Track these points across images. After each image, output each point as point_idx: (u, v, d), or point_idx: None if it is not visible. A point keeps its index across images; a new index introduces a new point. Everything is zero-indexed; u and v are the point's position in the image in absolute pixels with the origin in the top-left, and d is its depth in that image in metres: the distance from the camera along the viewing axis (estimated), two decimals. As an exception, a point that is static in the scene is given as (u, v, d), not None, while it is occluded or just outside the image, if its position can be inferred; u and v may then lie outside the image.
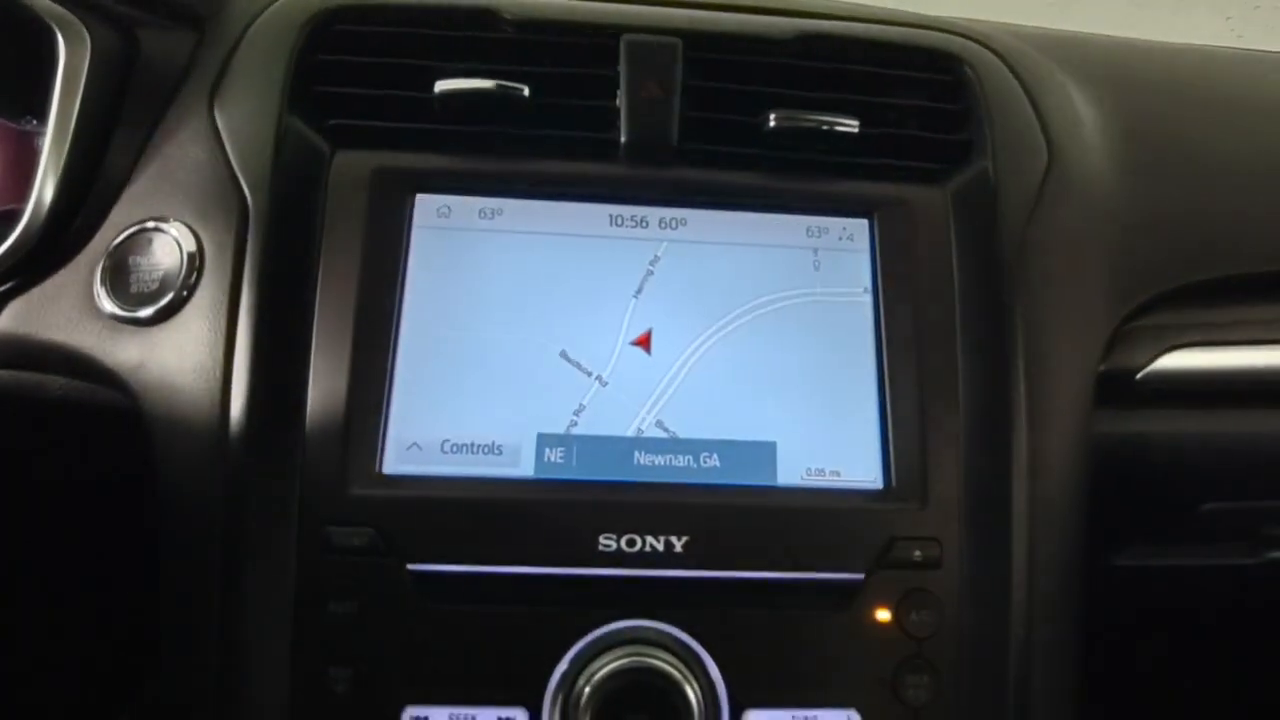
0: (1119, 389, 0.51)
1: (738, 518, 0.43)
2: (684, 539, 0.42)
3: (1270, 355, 0.52)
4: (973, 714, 0.42)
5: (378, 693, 0.40)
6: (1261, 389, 0.53)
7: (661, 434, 0.46)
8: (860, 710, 0.41)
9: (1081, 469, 0.48)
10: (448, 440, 0.44)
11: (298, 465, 0.42)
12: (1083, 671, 0.47)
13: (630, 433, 0.46)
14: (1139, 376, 0.51)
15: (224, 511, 0.42)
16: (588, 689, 0.39)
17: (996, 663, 0.43)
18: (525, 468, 0.44)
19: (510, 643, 0.41)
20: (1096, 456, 0.49)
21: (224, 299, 0.44)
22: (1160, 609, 0.75)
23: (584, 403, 0.46)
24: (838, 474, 0.46)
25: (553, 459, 0.45)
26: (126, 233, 0.46)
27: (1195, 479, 0.56)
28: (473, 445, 0.44)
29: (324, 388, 0.43)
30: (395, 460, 0.44)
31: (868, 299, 0.49)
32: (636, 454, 0.45)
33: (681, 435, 0.46)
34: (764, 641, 0.41)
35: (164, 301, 0.44)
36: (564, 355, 0.46)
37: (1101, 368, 0.50)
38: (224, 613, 0.41)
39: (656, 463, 0.45)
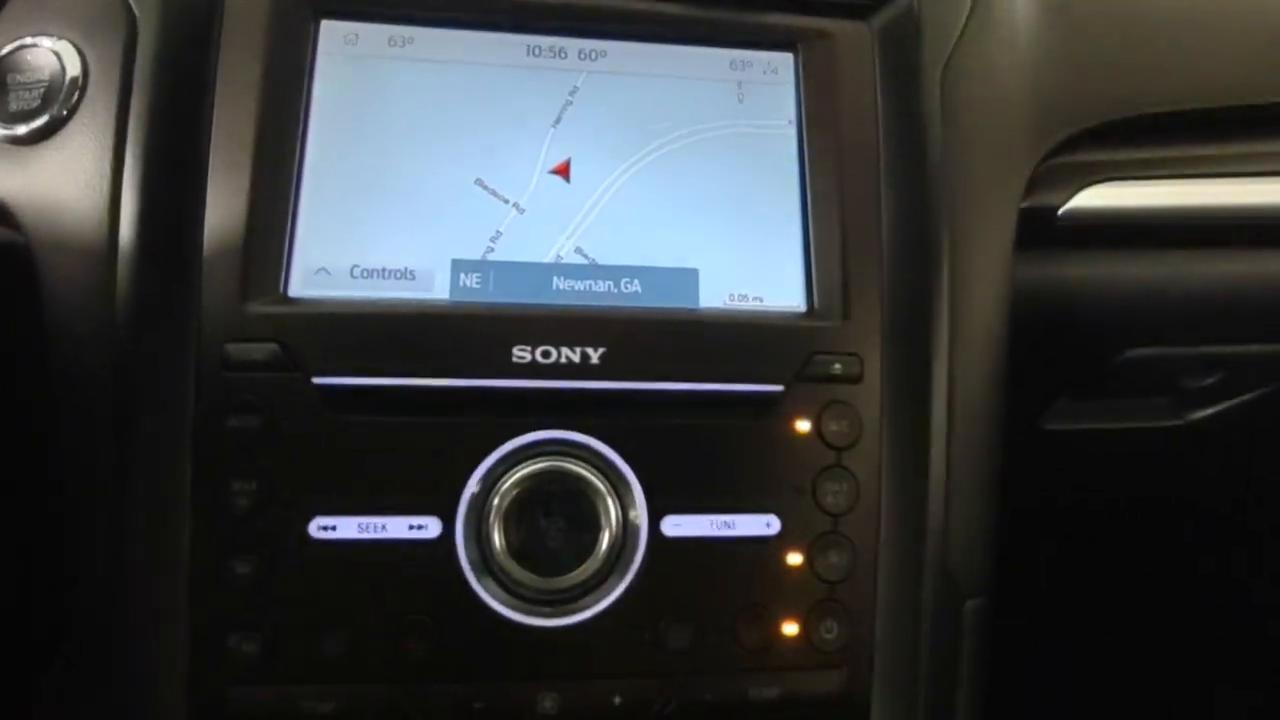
0: (1040, 229, 0.52)
1: (657, 331, 0.42)
2: (600, 350, 0.41)
3: (1187, 191, 0.53)
4: (890, 523, 0.42)
5: (284, 505, 0.38)
6: (1179, 227, 0.54)
7: (581, 260, 0.45)
8: (779, 514, 0.41)
9: (1004, 301, 0.48)
10: (357, 265, 0.43)
11: (194, 289, 0.40)
12: (1001, 506, 0.48)
13: (549, 259, 0.45)
14: (1060, 213, 0.52)
15: (119, 337, 0.40)
16: (501, 495, 0.38)
17: (916, 476, 0.43)
18: (439, 292, 0.43)
19: (423, 454, 0.40)
20: (1019, 303, 0.50)
21: (110, 117, 0.41)
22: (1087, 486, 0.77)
23: (501, 229, 0.45)
24: (760, 299, 0.45)
25: (468, 284, 0.43)
26: (5, 49, 0.43)
27: (1115, 324, 0.57)
28: (384, 270, 0.43)
29: (222, 210, 0.41)
30: (301, 284, 0.42)
31: (792, 131, 0.48)
32: (555, 279, 0.44)
33: (601, 261, 0.45)
34: (682, 451, 0.41)
35: (44, 119, 0.41)
36: (479, 183, 0.45)
37: (1023, 204, 0.50)
38: (120, 441, 0.39)
39: (575, 288, 0.44)
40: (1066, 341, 0.57)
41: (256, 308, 0.40)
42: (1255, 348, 0.59)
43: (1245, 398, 0.65)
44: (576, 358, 0.41)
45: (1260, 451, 0.71)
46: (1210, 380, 0.62)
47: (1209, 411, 0.67)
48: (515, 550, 0.38)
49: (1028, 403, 0.63)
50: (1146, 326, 0.57)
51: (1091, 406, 0.66)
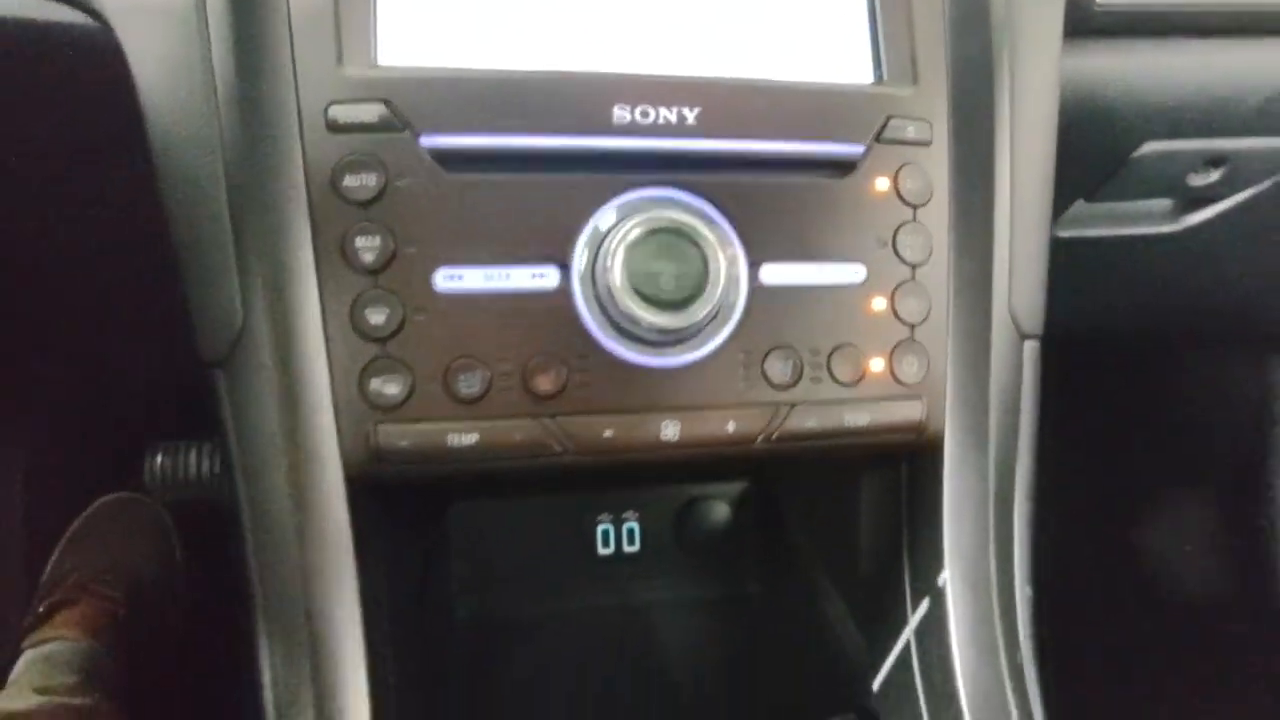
0: (1079, 18, 0.54)
1: (747, 94, 0.44)
2: (696, 110, 0.43)
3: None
4: (960, 273, 0.46)
5: (408, 259, 0.40)
6: (1210, 15, 0.57)
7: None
8: (865, 263, 0.45)
9: (1054, 79, 0.51)
10: (447, 33, 0.43)
11: (288, 53, 0.40)
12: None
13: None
14: (1099, 2, 0.55)
15: (218, 105, 0.40)
16: (614, 245, 0.41)
17: (983, 232, 0.47)
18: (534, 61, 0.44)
19: (536, 209, 0.42)
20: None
21: None
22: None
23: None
24: (834, 72, 0.48)
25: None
26: None
27: (1138, 114, 0.60)
28: (475, 38, 0.44)
29: None
30: (392, 52, 0.43)
31: None
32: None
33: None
34: (775, 206, 0.44)
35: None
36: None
37: (1065, -8, 0.53)
38: (235, 219, 0.40)
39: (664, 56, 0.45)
40: (1090, 133, 0.61)
41: (355, 71, 0.41)
42: (1261, 141, 0.64)
43: (1239, 198, 0.70)
44: (674, 117, 0.43)
45: (1249, 257, 0.78)
46: (1213, 177, 0.67)
47: (1205, 215, 0.72)
48: (632, 295, 0.41)
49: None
50: (1166, 118, 0.61)
51: (1100, 211, 0.71)
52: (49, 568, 1.01)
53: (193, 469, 1.07)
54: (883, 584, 0.52)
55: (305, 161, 0.40)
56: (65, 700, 0.81)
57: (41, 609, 0.94)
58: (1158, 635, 1.09)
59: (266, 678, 0.39)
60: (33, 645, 0.91)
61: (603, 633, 0.74)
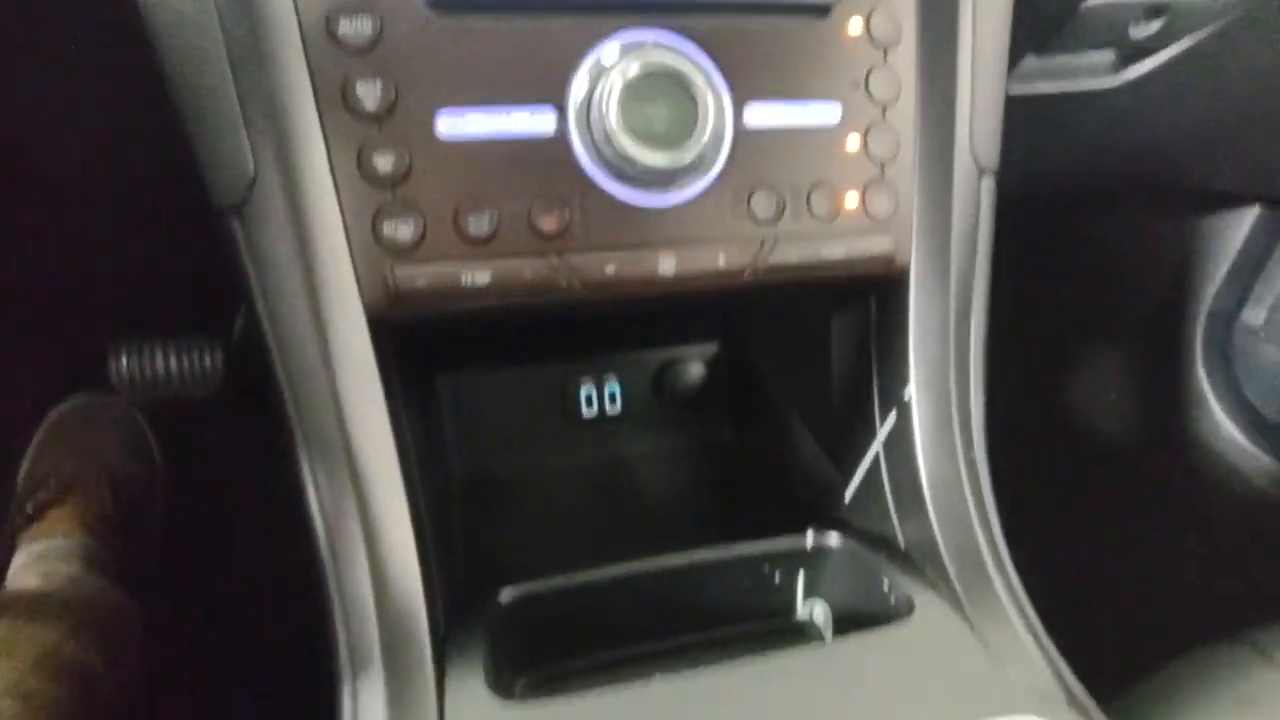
0: None
1: None
2: None
3: None
4: (926, 113, 0.50)
5: (409, 104, 0.42)
6: None
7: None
8: (842, 103, 0.48)
9: None
10: None
11: None
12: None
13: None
14: None
15: None
16: (609, 85, 0.43)
17: (946, 75, 0.50)
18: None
19: (530, 51, 0.43)
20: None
21: None
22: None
23: None
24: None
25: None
26: None
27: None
28: None
29: None
30: None
31: None
32: None
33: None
34: (760, 48, 0.46)
35: None
36: None
37: None
38: (236, 72, 0.41)
39: None
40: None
41: None
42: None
43: (1174, 50, 0.75)
44: None
45: (1180, 114, 0.83)
46: (1153, 28, 0.71)
47: (1144, 68, 0.77)
48: (628, 135, 0.43)
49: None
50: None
51: (1049, 67, 0.74)
52: (23, 470, 1.01)
53: (160, 369, 1.08)
54: (852, 409, 0.58)
55: (297, 6, 0.41)
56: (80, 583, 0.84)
57: (29, 509, 0.95)
58: (1081, 475, 1.22)
59: (313, 505, 0.42)
60: (27, 544, 0.92)
61: (591, 483, 0.79)
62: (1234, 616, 0.65)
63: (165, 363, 1.03)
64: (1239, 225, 1.11)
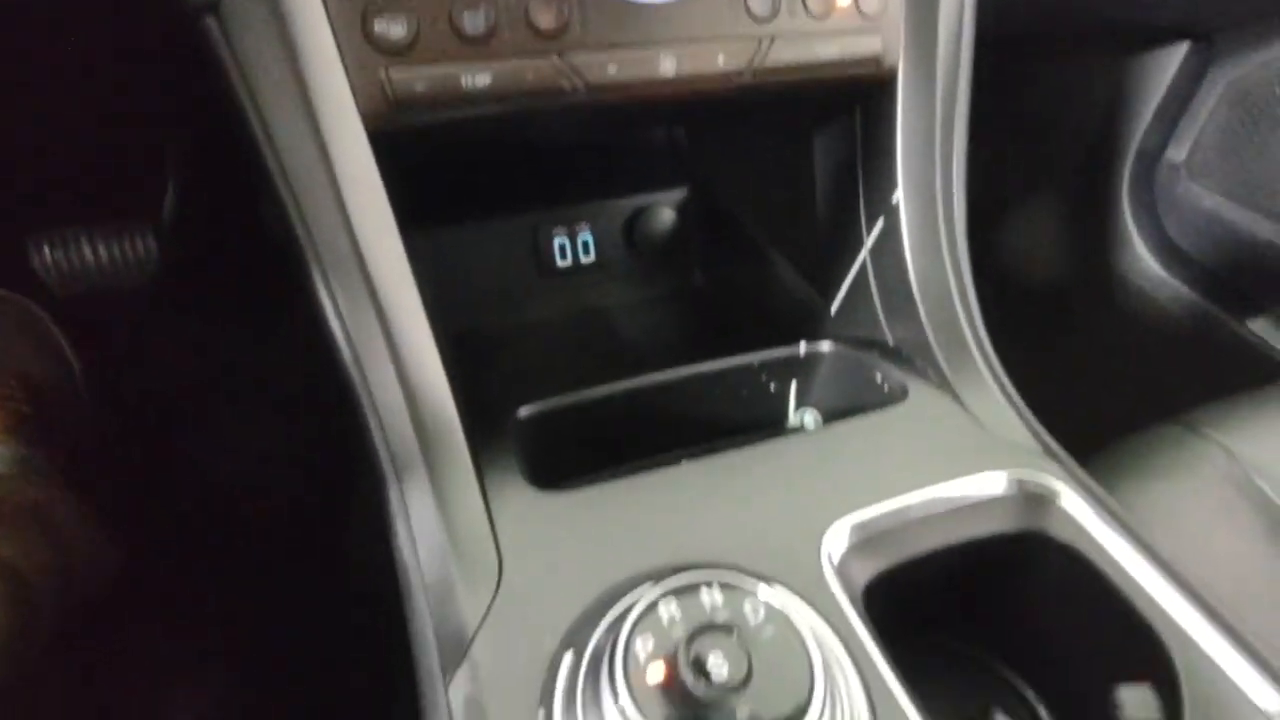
0: None
1: None
2: None
3: None
4: None
5: None
6: None
7: None
8: None
9: None
10: None
11: None
12: None
13: None
14: None
15: None
16: None
17: None
18: None
19: None
20: None
21: None
22: None
23: None
24: None
25: None
26: None
27: None
28: None
29: None
30: None
31: None
32: None
33: None
34: None
35: None
36: None
37: None
38: None
39: None
40: None
41: None
42: None
43: None
44: None
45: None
46: None
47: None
48: None
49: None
50: None
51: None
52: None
53: (90, 257, 1.01)
54: (836, 225, 0.60)
55: None
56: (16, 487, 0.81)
57: None
58: (1015, 313, 1.29)
59: (334, 323, 0.42)
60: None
61: (574, 331, 0.80)
62: (1152, 419, 0.72)
63: (95, 251, 0.97)
64: (1168, 64, 1.15)
